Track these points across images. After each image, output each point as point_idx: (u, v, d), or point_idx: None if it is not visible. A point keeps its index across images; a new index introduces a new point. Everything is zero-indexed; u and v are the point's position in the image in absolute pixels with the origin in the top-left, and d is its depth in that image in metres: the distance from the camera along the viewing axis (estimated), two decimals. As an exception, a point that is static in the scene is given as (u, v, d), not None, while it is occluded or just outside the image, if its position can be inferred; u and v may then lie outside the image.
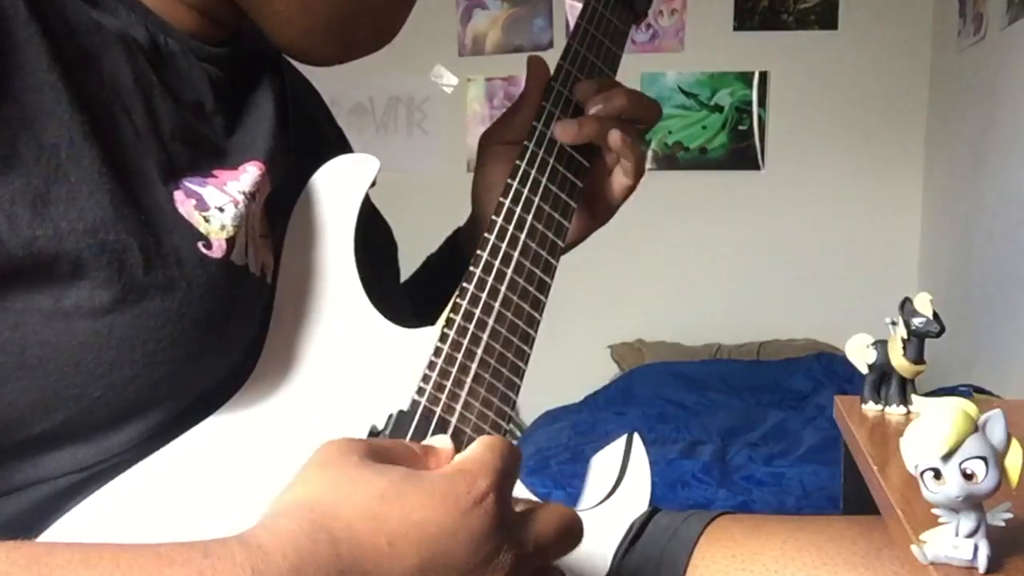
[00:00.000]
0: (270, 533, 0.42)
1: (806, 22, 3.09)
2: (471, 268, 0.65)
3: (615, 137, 0.73)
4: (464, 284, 0.64)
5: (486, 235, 0.66)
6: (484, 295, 0.64)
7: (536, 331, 0.65)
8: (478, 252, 0.65)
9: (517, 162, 0.69)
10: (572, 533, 0.51)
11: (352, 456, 0.46)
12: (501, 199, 0.67)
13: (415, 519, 0.44)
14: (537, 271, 0.66)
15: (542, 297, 0.66)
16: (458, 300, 0.63)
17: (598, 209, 0.80)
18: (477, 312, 0.63)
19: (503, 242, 0.66)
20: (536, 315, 0.66)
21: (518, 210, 0.67)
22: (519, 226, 0.67)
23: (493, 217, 0.67)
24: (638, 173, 0.77)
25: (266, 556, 0.41)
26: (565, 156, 0.71)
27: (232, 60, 0.60)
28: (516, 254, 0.66)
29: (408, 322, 0.63)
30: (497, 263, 0.65)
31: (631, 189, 0.78)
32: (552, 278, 0.67)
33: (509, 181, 0.68)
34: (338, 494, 0.44)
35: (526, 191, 0.68)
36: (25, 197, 0.45)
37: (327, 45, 0.60)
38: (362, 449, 0.47)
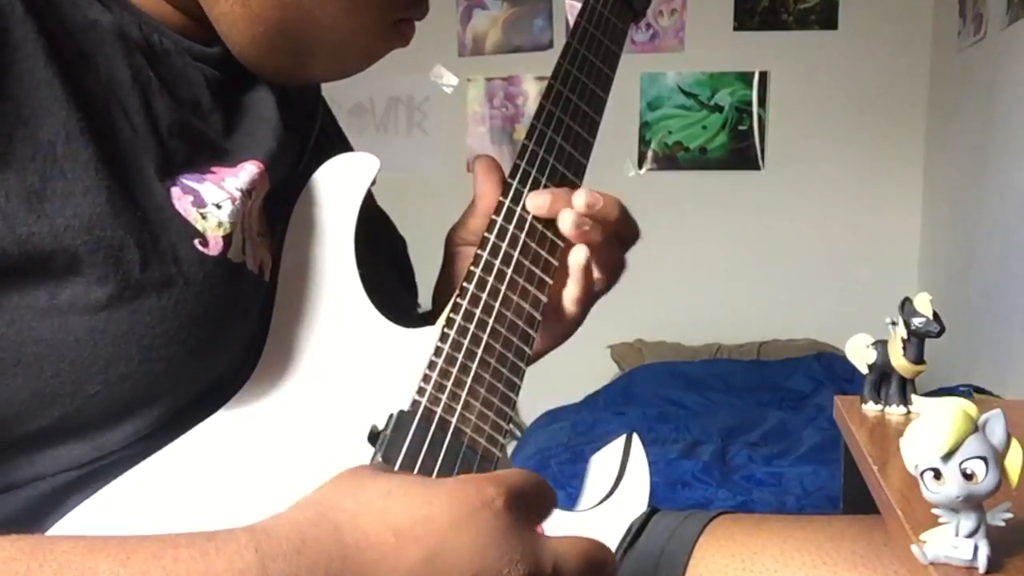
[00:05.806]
0: (275, 520, 0.43)
1: (806, 22, 3.09)
2: (471, 268, 0.64)
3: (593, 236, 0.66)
4: (464, 284, 0.64)
5: (486, 235, 0.65)
6: (484, 295, 0.63)
7: (536, 331, 0.65)
8: (478, 252, 0.65)
9: (517, 161, 0.69)
10: (599, 566, 0.49)
11: (363, 467, 0.48)
12: (501, 198, 0.67)
13: (422, 514, 0.44)
14: (537, 270, 0.66)
15: (542, 296, 0.66)
16: (458, 300, 0.63)
17: (560, 319, 0.71)
18: (477, 312, 0.63)
19: (503, 241, 0.66)
20: (536, 315, 0.65)
21: (518, 209, 0.67)
22: (519, 225, 0.67)
23: (493, 216, 0.66)
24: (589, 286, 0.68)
25: (270, 538, 0.42)
26: (565, 153, 0.71)
27: (226, 60, 0.60)
28: (516, 253, 0.66)
29: (410, 322, 0.63)
30: (497, 263, 0.65)
31: (584, 308, 0.70)
32: (553, 277, 0.67)
33: (508, 180, 0.68)
34: (345, 490, 0.45)
35: (526, 190, 0.68)
36: (20, 194, 0.46)
37: (277, 57, 0.60)
38: (373, 464, 0.48)
